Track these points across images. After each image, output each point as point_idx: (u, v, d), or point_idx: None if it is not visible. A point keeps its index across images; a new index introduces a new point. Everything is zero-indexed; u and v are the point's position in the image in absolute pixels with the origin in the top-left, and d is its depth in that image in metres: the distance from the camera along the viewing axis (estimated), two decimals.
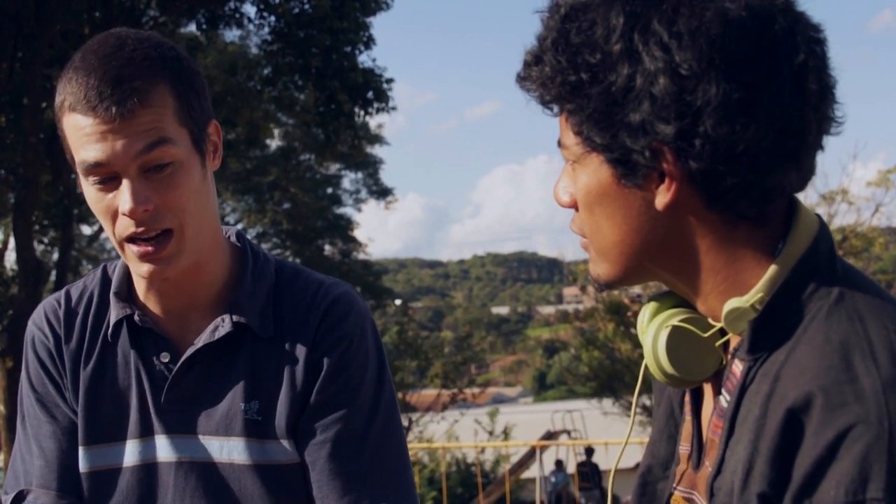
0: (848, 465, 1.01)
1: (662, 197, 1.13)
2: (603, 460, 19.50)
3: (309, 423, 1.59)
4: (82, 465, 1.64)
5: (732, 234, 1.15)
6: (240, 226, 31.58)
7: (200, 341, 1.62)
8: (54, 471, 1.64)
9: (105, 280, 1.71)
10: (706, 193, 1.13)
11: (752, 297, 1.14)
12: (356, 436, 1.59)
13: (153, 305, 1.66)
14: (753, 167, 1.10)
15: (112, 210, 1.52)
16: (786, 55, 1.09)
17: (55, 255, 20.63)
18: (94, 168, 1.50)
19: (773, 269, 1.14)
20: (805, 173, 1.15)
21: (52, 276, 17.48)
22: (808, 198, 20.02)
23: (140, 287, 1.66)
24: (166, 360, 1.63)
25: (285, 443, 1.60)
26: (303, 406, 1.60)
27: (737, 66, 1.08)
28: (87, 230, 25.83)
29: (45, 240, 21.22)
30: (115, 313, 1.66)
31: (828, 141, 1.17)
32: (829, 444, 1.02)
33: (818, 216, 1.20)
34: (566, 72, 1.13)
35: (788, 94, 1.09)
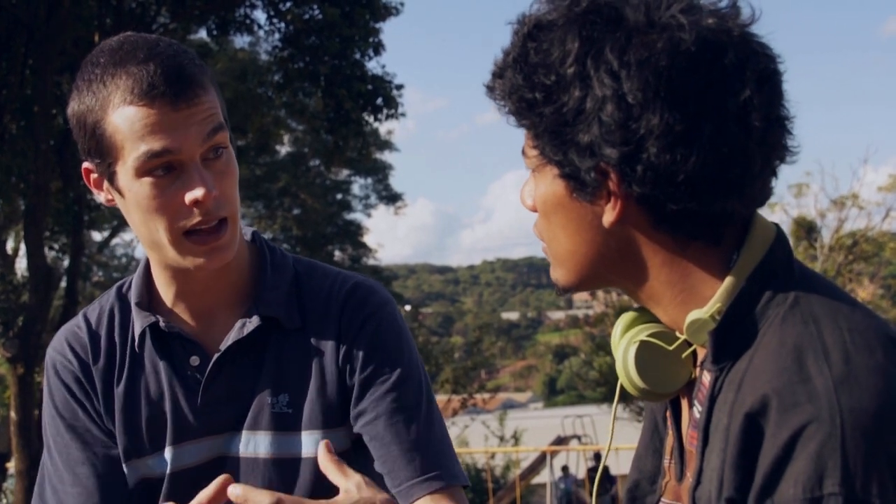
0: (804, 464, 1.04)
1: (609, 215, 1.17)
2: (613, 465, 19.46)
3: (359, 405, 1.61)
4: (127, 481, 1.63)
5: (685, 251, 1.18)
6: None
7: (230, 339, 1.62)
8: (94, 495, 1.62)
9: (121, 296, 1.71)
10: (652, 215, 1.16)
11: (711, 308, 1.17)
12: (408, 406, 1.61)
13: (182, 309, 1.65)
14: (694, 195, 1.13)
15: (173, 203, 1.50)
16: (732, 90, 1.11)
17: (66, 262, 20.69)
18: (159, 157, 1.48)
19: (728, 280, 1.17)
20: (752, 200, 1.18)
21: (63, 282, 17.52)
22: (819, 202, 19.99)
23: (169, 292, 1.65)
24: (196, 364, 1.63)
25: (316, 433, 1.60)
26: (340, 394, 1.61)
27: (680, 98, 1.10)
28: (97, 237, 25.89)
29: (56, 246, 21.26)
30: (139, 324, 1.65)
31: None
32: (785, 444, 1.05)
33: (776, 225, 1.23)
34: (523, 89, 1.17)
35: (732, 128, 1.11)
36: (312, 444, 1.60)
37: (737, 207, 1.16)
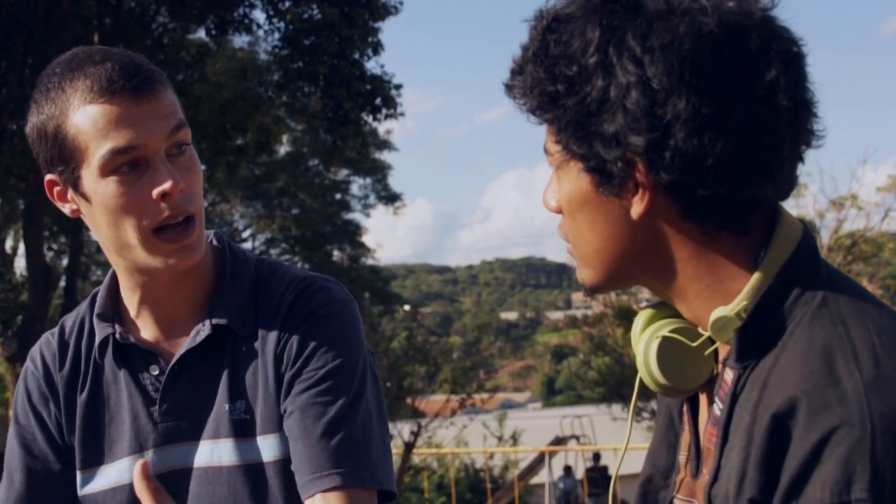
0: (832, 468, 1.02)
1: (637, 207, 1.16)
2: (612, 465, 19.47)
3: (283, 403, 1.57)
4: (83, 489, 1.64)
5: (713, 243, 1.17)
6: (248, 231, 31.70)
7: (184, 348, 1.61)
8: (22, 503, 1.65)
9: (92, 305, 1.71)
10: (681, 204, 1.15)
11: (737, 305, 1.16)
12: (326, 402, 1.55)
13: (145, 318, 1.65)
14: (724, 180, 1.11)
15: (140, 199, 1.50)
16: (757, 72, 1.10)
17: (65, 261, 20.69)
18: (124, 153, 1.48)
19: (755, 277, 1.16)
20: (782, 186, 1.17)
21: (62, 281, 17.53)
22: (817, 203, 20.01)
23: (133, 301, 1.65)
24: (156, 373, 1.62)
25: (272, 438, 1.58)
26: (285, 395, 1.58)
27: (707, 82, 1.09)
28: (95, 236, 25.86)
29: (55, 246, 21.28)
30: (98, 334, 1.65)
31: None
32: (814, 447, 1.04)
33: (802, 222, 1.21)
34: (544, 83, 1.16)
35: (759, 109, 1.10)
36: (269, 448, 1.58)
37: (766, 193, 1.15)
